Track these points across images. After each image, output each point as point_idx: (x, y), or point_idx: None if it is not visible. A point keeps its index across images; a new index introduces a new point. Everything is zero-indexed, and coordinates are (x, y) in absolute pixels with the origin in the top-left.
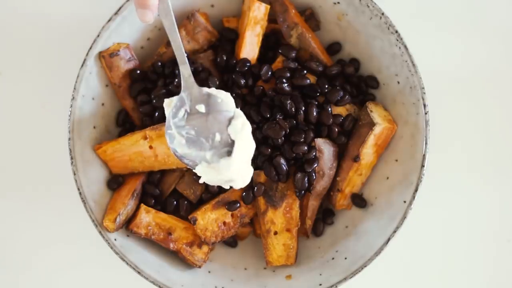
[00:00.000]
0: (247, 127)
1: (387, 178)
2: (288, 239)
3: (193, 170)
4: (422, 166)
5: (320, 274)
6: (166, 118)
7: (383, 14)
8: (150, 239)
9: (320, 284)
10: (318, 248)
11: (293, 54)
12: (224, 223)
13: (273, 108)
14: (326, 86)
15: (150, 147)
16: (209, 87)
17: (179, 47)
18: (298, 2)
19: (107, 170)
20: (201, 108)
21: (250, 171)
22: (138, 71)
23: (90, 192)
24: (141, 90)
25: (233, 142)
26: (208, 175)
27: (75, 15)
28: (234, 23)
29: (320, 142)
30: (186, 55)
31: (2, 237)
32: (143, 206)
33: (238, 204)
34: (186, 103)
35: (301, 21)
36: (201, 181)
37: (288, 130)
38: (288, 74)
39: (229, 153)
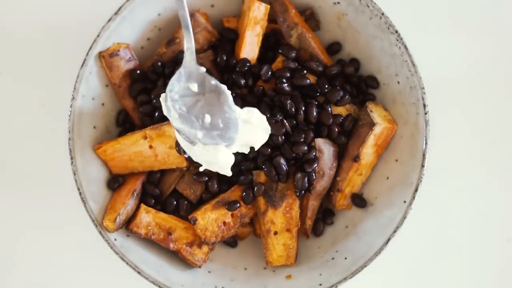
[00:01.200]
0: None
1: (387, 178)
2: (288, 239)
3: (189, 153)
4: (422, 166)
5: (320, 274)
6: (166, 89)
7: (383, 14)
8: (150, 239)
9: (320, 284)
10: (318, 248)
11: (293, 54)
12: (224, 223)
13: (273, 108)
14: (326, 86)
15: (150, 146)
16: None
17: (186, 22)
18: (298, 2)
19: (107, 170)
20: (194, 87)
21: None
22: (138, 71)
23: (90, 192)
24: (141, 90)
25: (224, 127)
26: (204, 157)
27: (75, 15)
28: (234, 23)
29: (320, 142)
30: (191, 29)
31: (1, 237)
32: (143, 206)
33: (238, 204)
34: (182, 79)
35: (301, 21)
36: (195, 158)
37: (289, 129)
38: (288, 74)
39: (221, 136)
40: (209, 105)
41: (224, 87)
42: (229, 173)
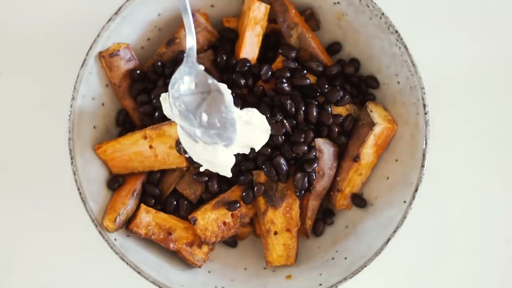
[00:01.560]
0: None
1: (387, 178)
2: (288, 239)
3: (189, 153)
4: (422, 166)
5: (320, 274)
6: (169, 85)
7: (383, 14)
8: (150, 239)
9: (320, 284)
10: (318, 248)
11: (293, 54)
12: (224, 223)
13: (273, 108)
14: (326, 86)
15: (150, 146)
16: None
17: (188, 20)
18: (298, 2)
19: (107, 170)
20: (192, 85)
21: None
22: (138, 71)
23: (90, 192)
24: (141, 90)
25: (222, 127)
26: (205, 156)
27: (75, 15)
28: (234, 23)
29: (320, 142)
30: (194, 29)
31: (1, 237)
32: (143, 206)
33: (238, 204)
34: (182, 76)
35: (301, 21)
36: (195, 158)
37: (289, 129)
38: (288, 74)
39: (219, 136)
40: (206, 104)
41: (222, 86)
42: (229, 174)
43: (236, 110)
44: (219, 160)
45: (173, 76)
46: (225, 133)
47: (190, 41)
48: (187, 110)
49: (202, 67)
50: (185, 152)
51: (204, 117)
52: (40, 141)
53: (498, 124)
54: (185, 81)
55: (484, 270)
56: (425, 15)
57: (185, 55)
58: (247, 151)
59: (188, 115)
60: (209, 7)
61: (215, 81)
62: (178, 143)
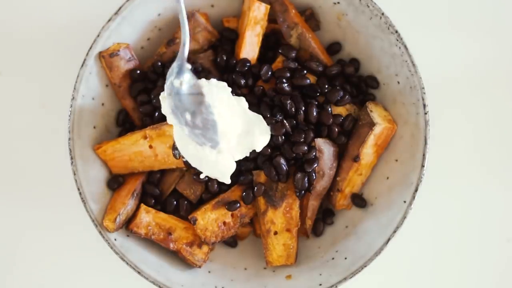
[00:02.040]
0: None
1: (387, 178)
2: (288, 239)
3: (186, 158)
4: (422, 166)
5: (320, 274)
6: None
7: (383, 14)
8: (150, 239)
9: (320, 284)
10: (318, 248)
11: (293, 54)
12: (224, 223)
13: (273, 108)
14: (326, 86)
15: (150, 146)
16: None
17: (182, 15)
18: (298, 2)
19: (107, 170)
20: (177, 82)
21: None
22: (138, 71)
23: (90, 192)
24: (141, 90)
25: (203, 127)
26: (205, 160)
27: (75, 15)
28: (234, 23)
29: (320, 142)
30: (187, 26)
31: (1, 237)
32: (143, 206)
33: (238, 204)
34: (172, 74)
35: (301, 21)
36: (193, 164)
37: (289, 129)
38: (288, 74)
39: (204, 136)
40: (189, 104)
41: (204, 87)
42: (228, 180)
43: (233, 99)
44: (220, 166)
45: (168, 73)
46: (207, 134)
47: (183, 39)
48: (176, 108)
49: (189, 66)
50: (181, 155)
51: (188, 116)
52: (40, 141)
53: (498, 124)
54: (174, 79)
55: (484, 270)
56: (425, 15)
57: (179, 52)
58: (248, 154)
59: (176, 113)
60: (209, 7)
61: (198, 81)
62: (174, 147)
